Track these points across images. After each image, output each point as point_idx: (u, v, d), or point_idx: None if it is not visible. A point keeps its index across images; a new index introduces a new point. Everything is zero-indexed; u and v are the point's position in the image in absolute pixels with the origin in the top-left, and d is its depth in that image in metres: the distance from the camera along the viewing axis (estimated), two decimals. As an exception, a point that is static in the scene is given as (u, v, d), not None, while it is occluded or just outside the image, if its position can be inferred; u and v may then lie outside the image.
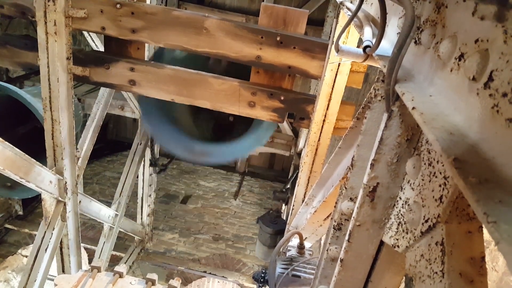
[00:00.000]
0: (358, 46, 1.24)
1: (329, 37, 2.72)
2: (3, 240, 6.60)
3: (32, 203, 7.07)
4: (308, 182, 3.05)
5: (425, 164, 0.77)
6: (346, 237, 1.02)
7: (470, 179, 0.50)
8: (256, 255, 5.02)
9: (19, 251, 6.22)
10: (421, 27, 0.82)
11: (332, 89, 2.65)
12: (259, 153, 6.87)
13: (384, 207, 0.94)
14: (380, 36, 0.94)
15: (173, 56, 3.59)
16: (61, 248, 3.65)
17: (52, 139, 3.15)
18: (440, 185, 0.69)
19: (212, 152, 4.21)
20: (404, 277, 0.85)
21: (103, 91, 4.01)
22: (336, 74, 2.58)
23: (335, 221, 1.20)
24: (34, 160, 2.88)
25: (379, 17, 0.95)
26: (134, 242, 6.67)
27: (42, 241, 3.37)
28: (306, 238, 2.70)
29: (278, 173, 9.27)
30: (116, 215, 5.21)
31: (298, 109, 3.01)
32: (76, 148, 3.43)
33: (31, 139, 4.20)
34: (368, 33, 1.17)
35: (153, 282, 2.57)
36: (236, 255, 7.09)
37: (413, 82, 0.80)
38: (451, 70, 0.67)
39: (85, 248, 6.17)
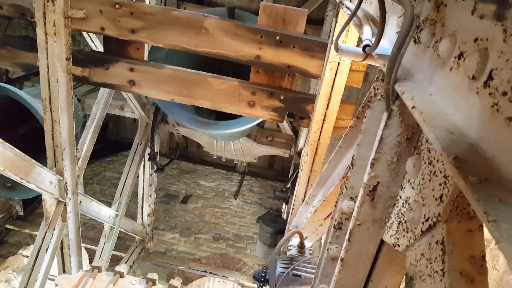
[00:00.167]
0: (357, 45, 1.24)
1: (329, 36, 2.72)
2: (3, 241, 6.60)
3: (33, 204, 7.07)
4: (308, 182, 3.05)
5: (425, 163, 0.77)
6: (347, 236, 1.02)
7: (470, 178, 0.50)
8: (257, 254, 5.01)
9: (20, 251, 6.22)
10: (420, 26, 0.82)
11: (332, 88, 2.65)
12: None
13: (384, 206, 0.94)
14: (379, 35, 0.94)
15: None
16: (61, 248, 3.65)
17: (52, 139, 3.15)
18: (440, 184, 0.69)
19: (216, 123, 4.71)
20: (404, 276, 0.85)
21: (103, 92, 4.01)
22: (336, 73, 2.58)
23: (335, 220, 1.20)
24: (34, 161, 2.88)
25: (378, 16, 0.95)
26: (134, 242, 6.67)
27: (42, 241, 3.37)
28: (306, 237, 2.70)
29: (278, 173, 9.26)
30: (117, 215, 5.22)
31: (298, 109, 3.01)
32: (76, 149, 3.43)
33: (31, 140, 4.20)
34: (367, 32, 1.17)
35: (153, 282, 2.57)
36: (237, 254, 7.09)
37: (413, 81, 0.80)
38: (450, 69, 0.67)
39: (86, 248, 6.17)
